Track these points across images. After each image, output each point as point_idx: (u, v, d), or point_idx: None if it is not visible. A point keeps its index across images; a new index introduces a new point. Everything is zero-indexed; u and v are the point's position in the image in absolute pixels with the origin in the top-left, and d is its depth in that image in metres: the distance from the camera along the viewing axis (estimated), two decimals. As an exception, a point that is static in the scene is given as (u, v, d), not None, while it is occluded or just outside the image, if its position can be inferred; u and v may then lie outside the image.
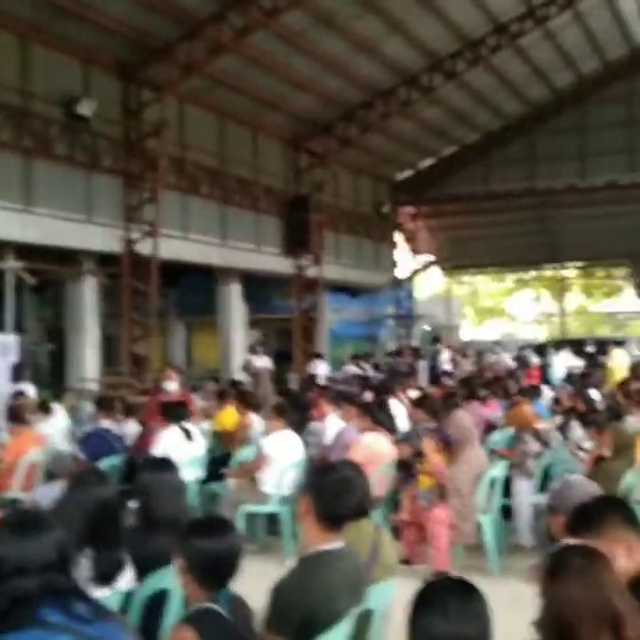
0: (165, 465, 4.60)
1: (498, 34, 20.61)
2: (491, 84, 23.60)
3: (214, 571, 3.15)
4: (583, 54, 24.51)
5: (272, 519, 8.10)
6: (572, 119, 26.95)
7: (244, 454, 8.89)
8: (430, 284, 41.14)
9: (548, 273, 36.02)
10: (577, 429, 9.55)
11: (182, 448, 8.07)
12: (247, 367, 17.03)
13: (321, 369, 17.75)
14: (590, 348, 24.43)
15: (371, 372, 18.79)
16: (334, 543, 3.59)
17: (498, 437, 9.81)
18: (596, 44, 24.21)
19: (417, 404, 9.39)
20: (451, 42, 20.41)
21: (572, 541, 2.72)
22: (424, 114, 23.40)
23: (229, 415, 10.25)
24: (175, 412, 8.60)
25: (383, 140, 23.92)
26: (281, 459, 7.92)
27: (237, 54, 17.01)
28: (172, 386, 11.77)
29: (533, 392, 11.83)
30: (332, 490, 3.69)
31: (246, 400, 10.49)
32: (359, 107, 21.43)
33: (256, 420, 9.95)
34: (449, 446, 7.50)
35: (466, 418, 7.78)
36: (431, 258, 31.10)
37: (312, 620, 3.32)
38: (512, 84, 24.32)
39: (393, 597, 3.91)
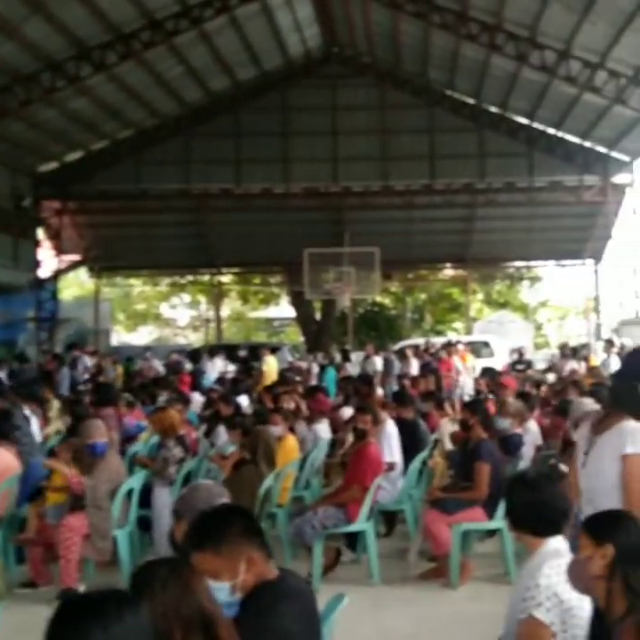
0: None
1: (152, 30, 20.05)
2: (145, 81, 22.90)
3: None
4: (240, 61, 24.67)
5: None
6: (228, 124, 27.10)
7: None
8: (77, 286, 39.58)
9: (205, 277, 36.04)
10: (223, 434, 9.38)
11: None
12: None
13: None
14: (243, 354, 24.67)
15: (4, 380, 17.12)
16: None
17: (141, 446, 9.57)
18: (253, 53, 24.48)
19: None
20: (100, 32, 19.43)
21: (152, 558, 2.71)
22: (71, 104, 22.01)
23: None
24: None
25: (24, 127, 22.13)
26: None
27: None
28: None
29: (182, 398, 11.68)
30: None
31: None
32: (-4, 90, 19.57)
33: None
34: (88, 456, 7.10)
35: (100, 426, 7.39)
36: (78, 257, 29.69)
37: None
38: (167, 83, 23.80)
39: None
